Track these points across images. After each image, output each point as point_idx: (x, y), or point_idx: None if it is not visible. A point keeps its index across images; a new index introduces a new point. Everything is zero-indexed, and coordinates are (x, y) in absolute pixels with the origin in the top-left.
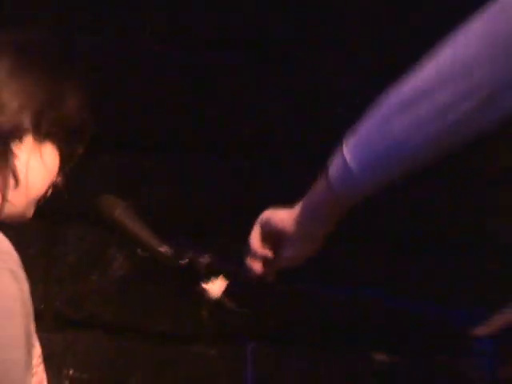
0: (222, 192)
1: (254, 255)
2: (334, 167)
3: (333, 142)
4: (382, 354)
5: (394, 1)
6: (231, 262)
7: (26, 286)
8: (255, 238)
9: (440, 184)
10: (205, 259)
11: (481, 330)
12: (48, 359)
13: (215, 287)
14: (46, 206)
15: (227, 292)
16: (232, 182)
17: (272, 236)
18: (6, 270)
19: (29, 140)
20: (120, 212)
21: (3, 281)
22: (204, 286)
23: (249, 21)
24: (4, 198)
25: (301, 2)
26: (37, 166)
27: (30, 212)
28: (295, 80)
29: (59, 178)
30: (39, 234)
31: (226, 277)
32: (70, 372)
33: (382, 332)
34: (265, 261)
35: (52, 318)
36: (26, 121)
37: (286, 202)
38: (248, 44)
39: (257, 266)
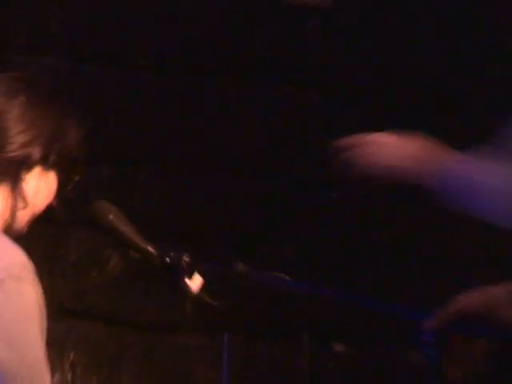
0: (205, 202)
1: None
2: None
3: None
4: (342, 345)
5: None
6: (209, 260)
7: (40, 290)
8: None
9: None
10: (185, 257)
11: (428, 324)
12: (51, 344)
13: (194, 282)
14: (52, 212)
15: (205, 287)
16: (215, 194)
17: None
18: (30, 281)
19: (37, 168)
20: (113, 216)
21: (28, 290)
22: (185, 281)
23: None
24: (13, 219)
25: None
26: (42, 190)
27: (26, 228)
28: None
29: (54, 200)
30: (46, 237)
31: (204, 273)
32: (71, 356)
33: (342, 325)
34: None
35: (56, 308)
36: (36, 153)
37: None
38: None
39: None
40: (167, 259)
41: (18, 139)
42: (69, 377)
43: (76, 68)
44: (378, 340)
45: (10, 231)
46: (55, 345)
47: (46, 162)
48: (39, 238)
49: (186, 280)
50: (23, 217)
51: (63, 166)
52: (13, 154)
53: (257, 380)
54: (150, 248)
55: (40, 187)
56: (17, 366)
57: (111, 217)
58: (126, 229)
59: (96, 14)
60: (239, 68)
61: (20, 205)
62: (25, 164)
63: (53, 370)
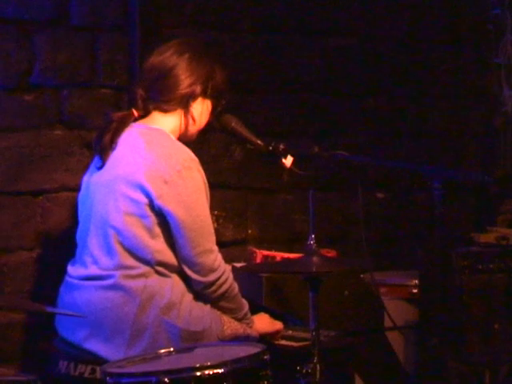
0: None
1: None
2: None
3: None
4: (381, 193)
5: None
6: (297, 146)
7: (203, 173)
8: None
9: None
10: (281, 146)
11: None
12: None
13: (288, 161)
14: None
15: (294, 163)
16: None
17: None
18: (196, 168)
19: (199, 99)
20: (234, 123)
21: (196, 175)
22: (282, 161)
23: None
24: (187, 131)
25: None
26: (203, 112)
27: (194, 138)
28: None
29: (211, 118)
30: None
31: (293, 155)
32: (216, 212)
33: (381, 180)
34: None
35: None
36: (198, 89)
37: None
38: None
39: None
40: (270, 147)
41: (186, 81)
42: (215, 224)
43: (204, 36)
44: (404, 189)
45: (183, 139)
46: None
47: (204, 94)
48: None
49: (283, 160)
50: (192, 130)
51: (215, 96)
52: (184, 91)
53: (330, 217)
54: (259, 141)
55: (202, 110)
56: (191, 222)
57: (233, 124)
58: (243, 130)
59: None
60: None
61: (190, 122)
62: (191, 96)
63: None
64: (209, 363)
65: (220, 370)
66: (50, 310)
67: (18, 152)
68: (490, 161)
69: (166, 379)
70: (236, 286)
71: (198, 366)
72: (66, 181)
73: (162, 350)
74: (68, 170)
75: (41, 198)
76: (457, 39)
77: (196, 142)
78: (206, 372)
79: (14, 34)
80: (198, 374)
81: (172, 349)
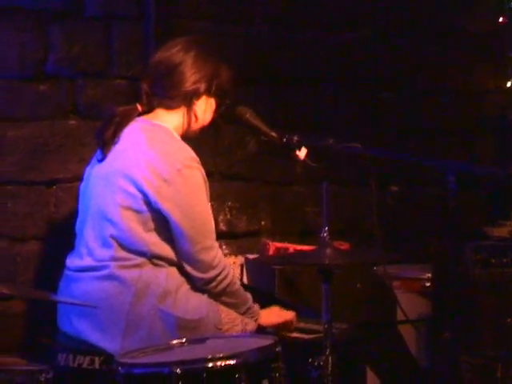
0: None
1: None
2: None
3: None
4: (395, 186)
5: None
6: (311, 138)
7: (203, 172)
8: None
9: None
10: (295, 137)
11: None
12: (216, 198)
13: (301, 153)
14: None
15: (308, 155)
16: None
17: None
18: (197, 167)
19: (203, 97)
20: (249, 115)
21: (196, 173)
22: (296, 152)
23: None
24: (189, 128)
25: None
26: (207, 110)
27: (197, 135)
28: None
29: (215, 116)
30: (208, 131)
31: (308, 147)
32: (229, 203)
33: (395, 174)
34: None
35: (217, 174)
36: (202, 87)
37: None
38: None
39: None
40: (284, 139)
41: (191, 79)
42: (228, 216)
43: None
44: (417, 182)
45: (186, 136)
46: (219, 197)
47: (208, 92)
48: (207, 136)
49: (296, 151)
50: (194, 127)
51: (219, 95)
52: (188, 88)
53: (343, 210)
54: (273, 133)
55: (205, 108)
56: (190, 220)
57: (247, 115)
58: (257, 122)
59: None
60: None
61: (193, 119)
62: (195, 94)
63: (218, 212)
64: (221, 354)
65: (232, 362)
66: (53, 298)
67: (33, 142)
68: (504, 154)
69: (178, 370)
70: (237, 282)
71: (210, 357)
72: (80, 171)
73: (175, 341)
74: (82, 160)
75: (54, 187)
76: (472, 33)
77: (210, 134)
78: (218, 363)
79: (30, 24)
80: (210, 365)
81: (184, 340)
